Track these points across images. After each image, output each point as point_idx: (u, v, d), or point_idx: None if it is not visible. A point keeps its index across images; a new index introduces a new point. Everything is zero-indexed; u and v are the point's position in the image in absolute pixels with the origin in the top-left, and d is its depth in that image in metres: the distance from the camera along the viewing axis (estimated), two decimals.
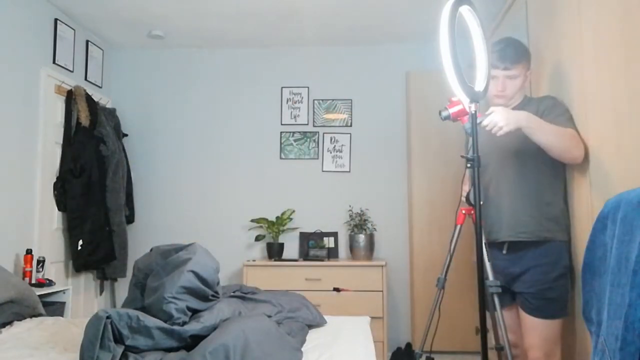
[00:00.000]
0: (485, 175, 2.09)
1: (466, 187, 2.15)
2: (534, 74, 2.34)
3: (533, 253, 1.97)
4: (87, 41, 3.95)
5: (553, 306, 1.94)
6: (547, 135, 1.85)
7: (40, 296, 2.75)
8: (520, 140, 1.94)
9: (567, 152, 1.87)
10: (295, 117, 4.25)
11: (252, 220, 4.06)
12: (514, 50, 2.06)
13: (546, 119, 1.91)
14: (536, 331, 1.96)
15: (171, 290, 1.78)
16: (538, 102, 2.07)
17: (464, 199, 2.05)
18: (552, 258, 1.94)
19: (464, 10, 1.86)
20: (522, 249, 1.99)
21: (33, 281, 3.02)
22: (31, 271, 3.02)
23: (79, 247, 3.47)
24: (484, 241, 1.83)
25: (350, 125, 4.21)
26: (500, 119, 1.80)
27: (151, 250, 2.11)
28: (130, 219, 4.05)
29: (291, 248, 4.06)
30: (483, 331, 1.82)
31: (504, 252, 2.04)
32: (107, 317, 1.54)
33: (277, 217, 4.03)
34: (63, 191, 3.48)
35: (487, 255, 1.86)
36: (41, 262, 3.11)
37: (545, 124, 1.87)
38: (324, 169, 4.19)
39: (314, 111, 4.25)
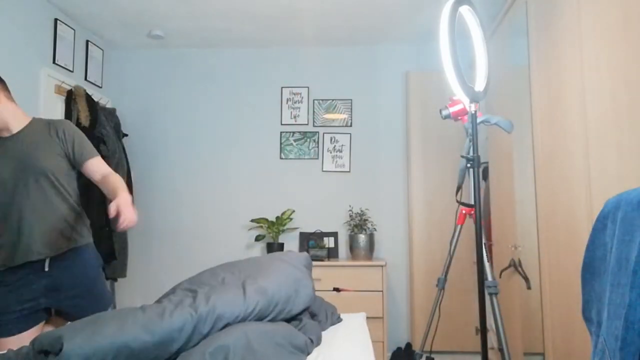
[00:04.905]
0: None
1: None
2: (538, 73, 2.32)
3: None
4: (87, 41, 3.95)
5: None
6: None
7: None
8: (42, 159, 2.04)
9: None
10: (295, 117, 4.25)
11: (252, 220, 4.07)
12: None
13: (81, 155, 2.16)
14: None
15: None
16: (53, 126, 2.09)
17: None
18: None
19: (464, 10, 1.87)
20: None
21: None
22: None
23: None
24: (484, 241, 1.84)
25: (350, 125, 4.21)
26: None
27: None
28: None
29: (291, 248, 4.06)
30: (483, 331, 1.82)
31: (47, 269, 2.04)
32: None
33: (277, 217, 4.03)
34: None
35: (487, 255, 1.86)
36: None
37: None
38: (324, 169, 4.19)
39: (314, 111, 4.25)
